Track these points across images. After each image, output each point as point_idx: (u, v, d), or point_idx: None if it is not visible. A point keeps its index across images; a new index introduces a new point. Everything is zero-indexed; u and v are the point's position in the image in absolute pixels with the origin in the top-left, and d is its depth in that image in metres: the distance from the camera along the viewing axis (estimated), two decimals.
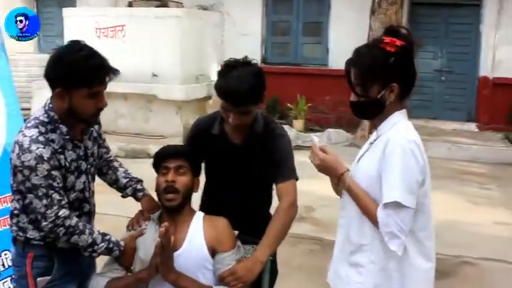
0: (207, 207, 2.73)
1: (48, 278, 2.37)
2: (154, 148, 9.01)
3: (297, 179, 2.61)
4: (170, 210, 2.43)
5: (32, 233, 2.35)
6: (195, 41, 10.42)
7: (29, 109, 8.80)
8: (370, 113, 2.19)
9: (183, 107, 9.99)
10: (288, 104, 10.83)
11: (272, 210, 2.66)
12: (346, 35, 11.01)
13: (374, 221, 2.04)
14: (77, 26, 10.22)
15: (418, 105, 11.24)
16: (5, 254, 4.18)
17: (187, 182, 2.45)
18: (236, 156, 2.63)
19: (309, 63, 11.73)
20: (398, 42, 2.05)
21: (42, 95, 10.52)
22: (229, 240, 2.44)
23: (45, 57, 9.15)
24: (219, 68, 2.54)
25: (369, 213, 2.07)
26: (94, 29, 10.10)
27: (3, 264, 4.17)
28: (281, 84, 10.67)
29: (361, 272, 2.13)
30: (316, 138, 2.26)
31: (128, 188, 2.70)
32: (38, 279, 2.36)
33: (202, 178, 2.68)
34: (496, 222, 6.25)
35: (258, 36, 11.99)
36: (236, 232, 2.50)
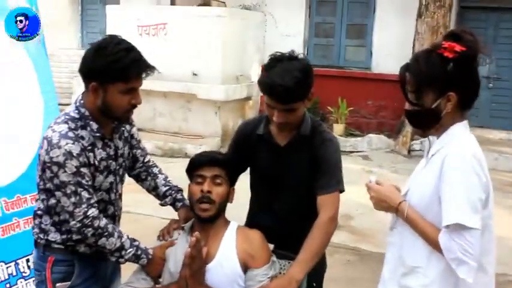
0: (252, 216, 2.62)
1: (68, 283, 2.30)
2: (191, 148, 8.98)
3: (342, 191, 2.44)
4: (203, 221, 2.31)
5: (53, 236, 2.28)
6: (237, 41, 10.35)
7: (69, 104, 8.87)
8: (425, 123, 2.01)
9: (222, 107, 9.92)
10: (329, 107, 10.62)
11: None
12: (390, 38, 10.77)
13: (438, 248, 1.86)
14: (119, 24, 10.27)
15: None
16: None
17: (223, 192, 2.33)
18: (279, 158, 2.48)
19: (351, 66, 11.50)
20: (458, 48, 1.88)
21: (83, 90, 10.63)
22: (263, 255, 2.30)
23: None
24: (264, 63, 2.39)
25: (431, 241, 1.89)
26: (136, 26, 10.15)
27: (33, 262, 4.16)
28: (322, 86, 10.37)
29: None
30: (373, 178, 2.12)
31: (168, 196, 2.60)
32: (57, 284, 2.29)
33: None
34: None
35: (301, 38, 11.81)
36: (271, 246, 2.36)
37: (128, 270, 2.44)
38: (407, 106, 2.00)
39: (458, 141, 1.91)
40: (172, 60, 9.53)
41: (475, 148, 1.91)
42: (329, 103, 10.66)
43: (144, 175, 2.60)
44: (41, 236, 2.30)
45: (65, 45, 12.72)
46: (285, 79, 2.24)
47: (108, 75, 2.12)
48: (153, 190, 2.62)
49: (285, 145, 2.49)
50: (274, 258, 2.35)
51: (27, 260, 4.07)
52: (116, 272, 2.54)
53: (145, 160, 2.61)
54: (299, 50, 12.53)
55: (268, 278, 2.27)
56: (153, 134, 9.44)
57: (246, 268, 2.27)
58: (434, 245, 1.87)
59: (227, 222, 2.39)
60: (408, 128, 9.76)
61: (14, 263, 3.97)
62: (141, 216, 5.70)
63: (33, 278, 4.03)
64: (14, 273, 3.95)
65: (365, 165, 8.71)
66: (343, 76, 11.21)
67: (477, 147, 1.94)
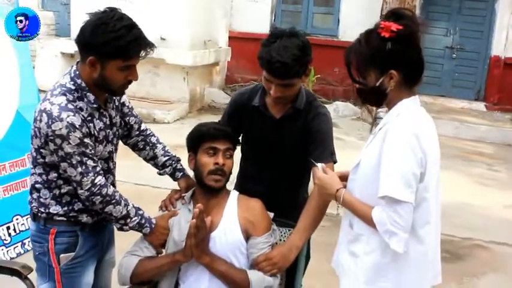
0: (244, 185, 2.66)
1: (72, 254, 2.30)
2: (160, 113, 8.92)
3: (335, 162, 2.51)
4: (212, 191, 2.36)
5: (54, 208, 2.28)
6: (204, 6, 10.22)
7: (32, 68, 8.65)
8: (372, 100, 2.09)
9: (190, 73, 9.84)
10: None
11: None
12: (358, 6, 10.84)
13: (373, 225, 1.93)
14: None
15: (427, 82, 11.10)
16: (17, 219, 4.14)
17: (232, 165, 2.40)
18: (274, 130, 2.54)
19: (318, 34, 11.53)
20: (394, 27, 1.92)
21: (45, 54, 10.40)
22: (264, 223, 2.37)
23: (49, 15, 9.07)
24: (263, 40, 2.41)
25: (367, 219, 1.97)
26: None
27: (14, 229, 4.13)
28: None
29: (356, 262, 2.06)
30: (320, 165, 2.20)
31: (168, 167, 2.61)
32: (61, 255, 2.29)
33: (238, 155, 2.60)
34: (506, 205, 6.21)
35: (268, 4, 11.76)
36: (271, 214, 2.43)
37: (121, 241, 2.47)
38: (355, 85, 2.07)
39: (402, 117, 1.98)
40: (140, 24, 9.28)
41: (417, 125, 1.97)
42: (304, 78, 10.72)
43: (142, 144, 2.61)
44: (41, 209, 2.28)
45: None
46: (283, 56, 2.28)
47: (108, 52, 2.09)
48: (152, 160, 2.63)
49: (280, 117, 2.54)
50: (274, 226, 2.43)
51: (8, 228, 4.06)
52: (110, 241, 2.56)
53: (142, 128, 2.60)
54: (266, 16, 12.49)
55: (269, 245, 2.35)
56: None
57: (247, 236, 2.34)
58: (370, 223, 1.94)
59: (228, 192, 2.46)
60: None
61: None
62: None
63: (14, 246, 4.05)
64: None
65: (339, 134, 8.83)
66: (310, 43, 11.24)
67: (422, 123, 2.00)
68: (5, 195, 4.06)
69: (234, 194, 2.45)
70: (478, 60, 10.98)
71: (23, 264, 2.30)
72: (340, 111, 10.07)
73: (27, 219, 4.21)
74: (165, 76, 9.86)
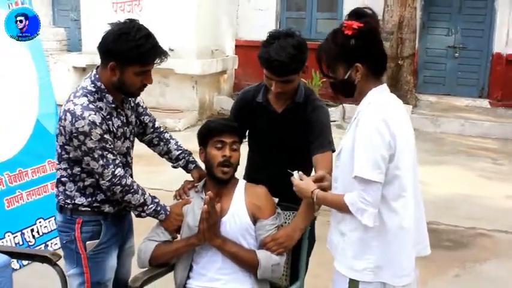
0: (251, 174, 2.90)
1: (97, 241, 2.54)
2: (171, 121, 9.18)
3: (333, 150, 2.74)
4: (220, 181, 2.60)
5: (79, 200, 2.52)
6: (211, 16, 10.51)
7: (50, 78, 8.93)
8: (344, 91, 2.32)
9: (199, 82, 10.12)
10: (302, 79, 10.89)
11: None
12: None
13: (347, 209, 2.17)
14: (93, 1, 10.31)
15: (431, 81, 11.34)
16: (40, 222, 4.40)
17: (239, 156, 2.64)
18: (276, 123, 2.78)
19: (323, 39, 11.69)
20: (355, 25, 2.16)
21: (58, 69, 10.70)
22: (269, 207, 2.61)
23: (61, 31, 9.30)
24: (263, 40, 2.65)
25: (342, 206, 2.20)
26: (111, 3, 10.19)
27: (38, 232, 4.39)
28: None
29: (344, 240, 2.26)
30: (296, 174, 2.44)
31: (182, 159, 2.86)
32: (87, 242, 2.53)
33: (245, 148, 2.84)
34: (508, 195, 6.41)
35: (273, 11, 12.00)
36: (276, 200, 2.67)
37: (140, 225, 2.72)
38: (327, 79, 2.32)
39: (373, 106, 2.20)
40: None
41: (385, 110, 2.17)
42: (303, 75, 10.93)
43: (157, 140, 2.86)
44: (68, 201, 2.53)
45: None
46: (281, 55, 2.53)
47: (128, 59, 2.35)
48: (166, 154, 2.88)
49: (282, 112, 2.79)
50: (279, 210, 2.67)
51: (32, 230, 4.32)
52: (130, 231, 2.81)
53: (156, 126, 2.86)
54: (271, 24, 12.67)
55: (275, 227, 2.58)
56: None
57: (255, 219, 2.58)
58: (346, 209, 2.18)
59: (236, 180, 2.70)
60: None
61: (20, 232, 4.22)
62: None
63: (38, 247, 4.30)
64: (21, 242, 4.19)
65: (340, 134, 9.01)
66: (315, 48, 11.42)
67: (391, 108, 2.22)
68: (28, 199, 4.32)
69: (241, 183, 2.69)
70: (480, 58, 11.12)
71: (53, 252, 2.54)
72: (347, 113, 10.26)
73: (49, 222, 4.47)
74: (174, 86, 10.15)
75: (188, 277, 2.59)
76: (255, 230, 2.57)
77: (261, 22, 11.93)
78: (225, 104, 11.07)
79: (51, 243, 4.46)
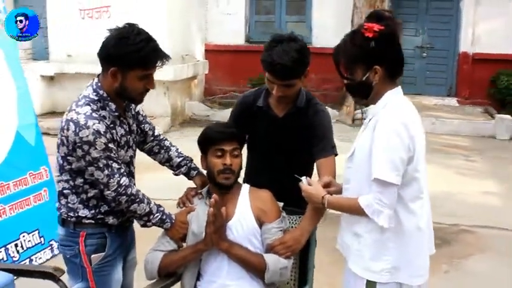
0: (251, 179, 2.86)
1: (102, 254, 2.47)
2: None
3: (336, 154, 2.73)
4: (223, 188, 2.57)
5: (83, 212, 2.44)
6: (181, 21, 10.44)
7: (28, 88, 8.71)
8: (360, 93, 2.32)
9: (170, 87, 10.03)
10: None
11: None
12: (329, 13, 11.16)
13: (363, 213, 2.16)
14: (59, 8, 10.11)
15: (402, 82, 11.45)
16: (23, 236, 4.27)
17: (240, 163, 2.62)
18: (277, 127, 2.75)
19: None
20: (376, 28, 2.17)
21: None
22: (274, 211, 2.59)
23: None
24: (266, 43, 2.63)
25: (356, 209, 2.19)
26: (78, 10, 10.01)
27: (22, 246, 4.26)
28: None
29: (360, 241, 2.26)
30: (304, 179, 2.42)
31: (183, 166, 2.80)
32: (93, 255, 2.45)
33: (245, 152, 2.80)
34: (484, 192, 6.57)
35: (242, 15, 12.01)
36: (281, 204, 2.65)
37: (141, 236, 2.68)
38: (344, 81, 2.32)
39: (389, 108, 2.21)
40: None
41: (404, 113, 2.21)
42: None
43: (157, 149, 2.79)
44: (71, 214, 2.45)
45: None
46: (284, 58, 2.51)
47: (129, 63, 2.30)
48: (167, 162, 2.82)
49: (283, 116, 2.77)
50: (284, 214, 2.64)
51: (16, 245, 4.19)
52: (132, 242, 2.74)
53: (156, 134, 2.80)
54: (240, 28, 12.70)
55: (281, 230, 2.56)
56: None
57: (260, 223, 2.55)
58: (361, 212, 2.18)
59: (240, 185, 2.67)
60: (351, 99, 10.24)
61: (4, 248, 4.08)
62: None
63: (23, 262, 4.17)
64: (5, 258, 4.06)
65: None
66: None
67: (408, 111, 2.24)
68: (11, 213, 4.19)
69: (245, 187, 2.67)
70: (448, 58, 11.37)
71: (56, 267, 2.45)
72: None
73: (33, 235, 4.35)
74: None
75: (196, 286, 2.55)
76: (261, 233, 2.55)
77: (230, 26, 11.94)
78: (196, 109, 11.01)
79: (36, 258, 4.34)
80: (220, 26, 11.94)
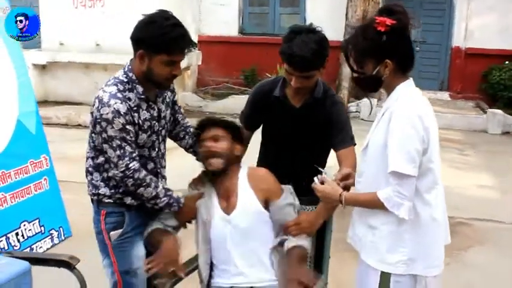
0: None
1: (120, 231, 2.53)
2: None
3: (354, 144, 2.74)
4: (215, 174, 2.58)
5: (103, 190, 2.52)
6: (174, 11, 10.18)
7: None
8: (370, 86, 2.34)
9: None
10: (267, 74, 10.91)
11: None
12: (323, 5, 11.15)
13: (383, 207, 2.17)
14: None
15: None
16: (24, 225, 4.24)
17: (224, 146, 2.57)
18: (294, 118, 2.76)
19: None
20: (388, 22, 2.17)
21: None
22: (277, 186, 2.57)
23: None
24: (284, 35, 2.62)
25: (375, 203, 2.20)
26: None
27: (22, 235, 4.23)
28: (259, 54, 10.72)
29: (375, 233, 2.27)
30: (316, 179, 2.40)
31: None
32: (111, 232, 2.53)
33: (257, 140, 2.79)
34: (479, 185, 6.66)
35: (235, 7, 11.97)
36: (290, 187, 2.62)
37: None
38: (354, 74, 2.33)
39: (403, 100, 2.22)
40: (112, 32, 9.42)
41: (417, 105, 2.22)
42: (267, 70, 10.94)
43: (183, 134, 2.83)
44: (94, 191, 2.53)
45: None
46: (303, 50, 2.51)
47: (154, 46, 2.32)
48: (190, 147, 2.84)
49: (300, 107, 2.76)
50: (282, 186, 2.60)
51: (17, 234, 4.16)
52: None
53: (184, 121, 2.84)
54: (234, 19, 12.64)
55: (291, 205, 2.54)
56: None
57: (266, 204, 2.53)
58: (380, 206, 2.19)
59: (238, 168, 2.63)
60: (345, 91, 10.27)
61: (4, 237, 4.05)
62: None
63: (28, 248, 4.16)
64: (6, 247, 4.03)
65: None
66: (278, 43, 11.36)
67: (421, 102, 2.26)
68: (12, 202, 4.16)
69: (243, 170, 2.63)
70: (440, 52, 11.44)
71: (71, 255, 2.45)
72: None
73: (33, 224, 4.33)
74: None
75: (211, 276, 2.55)
76: (271, 215, 2.52)
77: (223, 17, 11.89)
78: (189, 100, 10.98)
79: (36, 247, 4.32)
80: (213, 17, 11.89)
